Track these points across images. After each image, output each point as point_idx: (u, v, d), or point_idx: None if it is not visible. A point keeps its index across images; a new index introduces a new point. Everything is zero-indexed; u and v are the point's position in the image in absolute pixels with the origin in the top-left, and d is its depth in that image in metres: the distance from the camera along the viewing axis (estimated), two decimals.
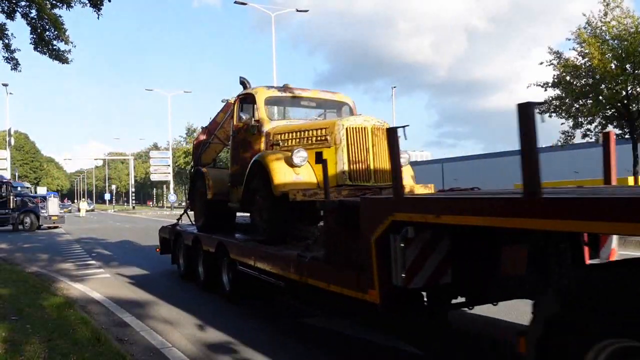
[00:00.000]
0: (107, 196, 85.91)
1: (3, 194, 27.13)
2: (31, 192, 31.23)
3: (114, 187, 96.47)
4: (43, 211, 28.00)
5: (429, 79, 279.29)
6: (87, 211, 52.13)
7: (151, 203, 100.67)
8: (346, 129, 6.56)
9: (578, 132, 30.10)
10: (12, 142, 40.62)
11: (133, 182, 73.04)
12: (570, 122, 29.69)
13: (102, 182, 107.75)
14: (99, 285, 9.52)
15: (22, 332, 5.52)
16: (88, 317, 6.46)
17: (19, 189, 30.86)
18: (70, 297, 8.18)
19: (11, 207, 27.27)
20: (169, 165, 58.13)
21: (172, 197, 56.58)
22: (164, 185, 61.07)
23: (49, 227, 28.44)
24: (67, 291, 8.94)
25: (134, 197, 77.91)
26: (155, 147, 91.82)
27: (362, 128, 6.62)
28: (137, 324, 6.45)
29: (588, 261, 4.37)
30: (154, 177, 59.82)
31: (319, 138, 6.85)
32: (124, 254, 14.64)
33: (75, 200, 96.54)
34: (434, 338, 5.43)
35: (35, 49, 12.69)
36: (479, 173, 58.73)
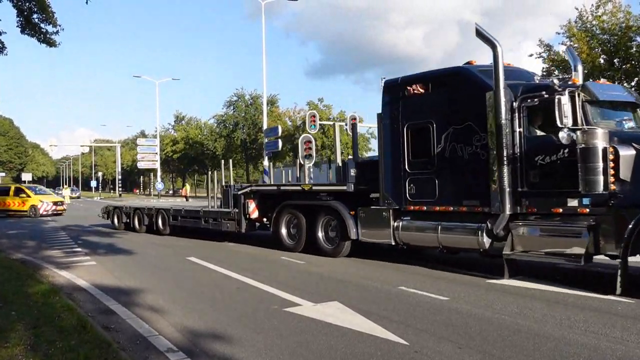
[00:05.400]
0: (93, 183, 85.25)
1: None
2: None
3: (100, 174, 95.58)
4: None
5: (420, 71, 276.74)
6: (71, 198, 51.49)
7: (138, 191, 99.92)
8: None
9: None
10: None
11: (120, 170, 72.49)
12: None
13: (89, 169, 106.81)
14: (85, 272, 9.46)
15: (7, 319, 5.50)
16: (74, 305, 6.43)
17: None
18: (56, 285, 8.14)
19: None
20: (156, 153, 57.75)
21: (160, 185, 56.29)
22: (151, 173, 60.68)
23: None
24: (53, 278, 8.89)
25: (120, 185, 77.40)
26: (143, 134, 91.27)
27: None
28: (124, 312, 6.43)
29: None
30: (140, 165, 59.41)
31: None
32: (111, 241, 14.55)
33: (61, 188, 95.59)
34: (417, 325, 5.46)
35: (22, 32, 12.49)
36: None
